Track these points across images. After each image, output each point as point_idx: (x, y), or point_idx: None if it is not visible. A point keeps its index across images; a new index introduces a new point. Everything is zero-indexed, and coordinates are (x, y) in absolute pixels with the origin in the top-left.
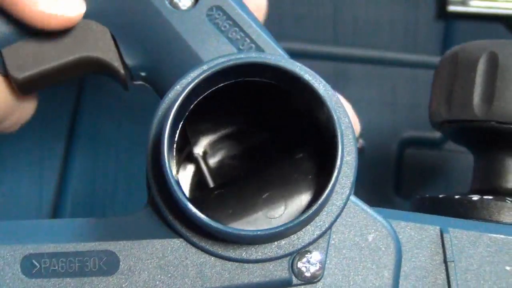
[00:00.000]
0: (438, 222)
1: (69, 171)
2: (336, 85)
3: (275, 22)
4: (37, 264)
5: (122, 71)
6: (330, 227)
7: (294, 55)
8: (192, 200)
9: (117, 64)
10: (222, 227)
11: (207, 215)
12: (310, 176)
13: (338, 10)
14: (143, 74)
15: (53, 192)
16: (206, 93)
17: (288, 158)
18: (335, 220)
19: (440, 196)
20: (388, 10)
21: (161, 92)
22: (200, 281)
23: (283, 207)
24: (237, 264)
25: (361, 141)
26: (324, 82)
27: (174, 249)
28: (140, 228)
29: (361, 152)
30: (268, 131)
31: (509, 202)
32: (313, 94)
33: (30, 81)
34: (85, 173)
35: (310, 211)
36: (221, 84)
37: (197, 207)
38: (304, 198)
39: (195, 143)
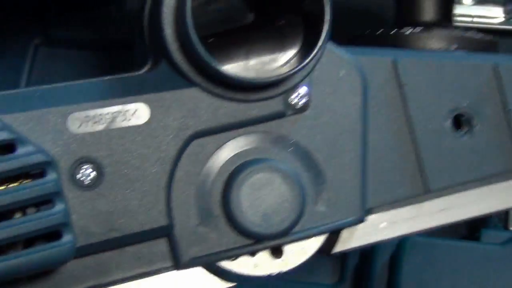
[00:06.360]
0: (390, 54)
1: None
2: None
3: None
4: (80, 121)
5: None
6: (313, 68)
7: None
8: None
9: None
10: (241, 77)
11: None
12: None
13: None
14: None
15: None
16: None
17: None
18: (317, 63)
19: (376, 33)
20: None
21: None
22: (215, 120)
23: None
24: (244, 104)
25: None
26: None
27: (192, 96)
28: (161, 82)
29: None
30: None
31: (435, 30)
32: None
33: None
34: None
35: (308, 59)
36: None
37: None
38: (289, 52)
39: None
